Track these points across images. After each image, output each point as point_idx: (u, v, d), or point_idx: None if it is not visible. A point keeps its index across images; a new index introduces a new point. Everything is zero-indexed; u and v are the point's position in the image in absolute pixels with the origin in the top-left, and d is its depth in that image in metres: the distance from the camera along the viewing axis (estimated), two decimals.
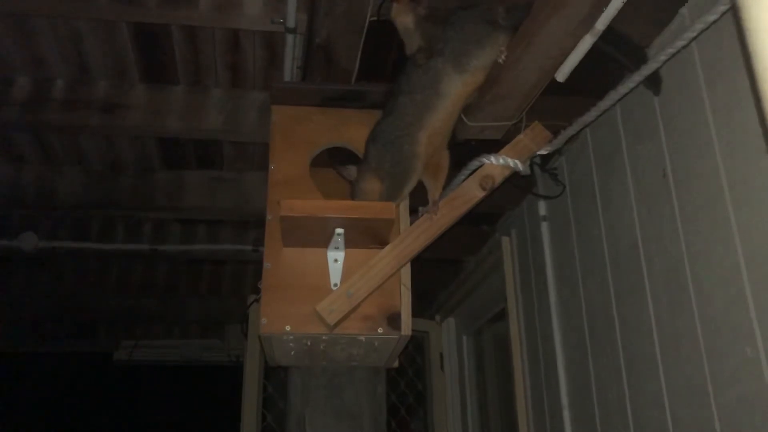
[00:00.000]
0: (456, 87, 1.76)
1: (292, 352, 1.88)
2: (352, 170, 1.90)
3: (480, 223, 3.23)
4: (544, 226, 2.61)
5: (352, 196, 1.90)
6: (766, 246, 1.43)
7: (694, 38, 1.49)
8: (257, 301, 2.51)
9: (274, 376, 3.65)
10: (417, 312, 2.15)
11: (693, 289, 1.68)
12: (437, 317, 4.08)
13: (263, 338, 1.78)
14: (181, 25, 2.10)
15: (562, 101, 1.98)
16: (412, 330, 1.81)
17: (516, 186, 2.45)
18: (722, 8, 1.36)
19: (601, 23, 1.53)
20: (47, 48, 2.20)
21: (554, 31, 1.53)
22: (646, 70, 1.61)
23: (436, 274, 3.77)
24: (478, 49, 1.72)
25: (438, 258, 3.46)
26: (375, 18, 1.79)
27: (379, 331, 1.76)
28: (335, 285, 1.77)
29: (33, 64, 2.27)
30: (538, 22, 1.53)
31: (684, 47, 1.53)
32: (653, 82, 1.70)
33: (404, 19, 1.77)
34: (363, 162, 1.88)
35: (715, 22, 1.42)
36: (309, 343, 1.81)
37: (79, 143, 2.73)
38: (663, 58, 1.55)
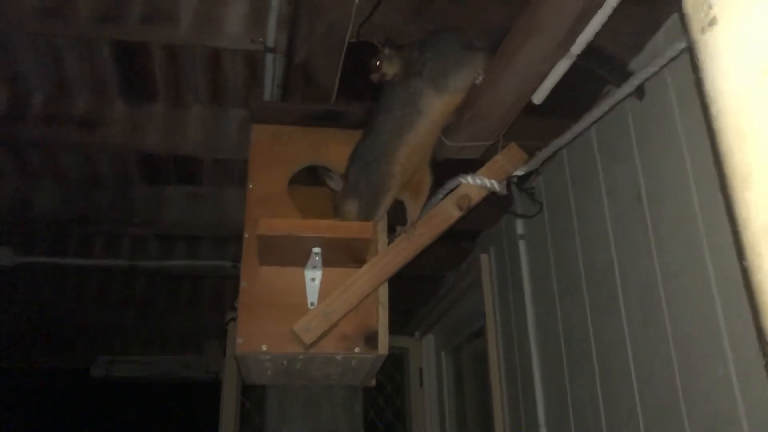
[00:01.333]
0: (434, 106, 1.77)
1: (269, 372, 1.88)
2: (338, 181, 1.89)
3: (459, 240, 3.25)
4: (522, 245, 2.63)
5: (335, 212, 1.91)
6: (736, 266, 1.46)
7: (666, 65, 1.52)
8: (234, 319, 2.51)
9: (252, 392, 3.63)
10: (396, 328, 2.16)
11: (666, 307, 1.71)
12: (416, 333, 4.09)
13: (239, 357, 1.77)
14: (161, 43, 2.10)
15: (539, 122, 2.01)
16: (391, 346, 1.81)
17: (494, 205, 2.46)
18: None
19: (577, 48, 1.56)
20: (26, 63, 2.19)
21: (531, 55, 1.56)
22: (627, 88, 1.63)
23: (416, 291, 3.77)
24: (456, 70, 1.75)
25: (417, 274, 3.46)
26: (354, 39, 1.80)
27: (356, 350, 1.76)
28: (312, 304, 1.77)
29: (11, 78, 2.25)
30: (515, 45, 1.56)
31: (657, 72, 1.56)
32: (637, 87, 1.72)
33: (391, 71, 1.79)
34: (344, 185, 1.89)
35: (685, 49, 1.45)
36: (286, 363, 1.81)
37: (58, 158, 2.70)
38: (636, 82, 1.59)
